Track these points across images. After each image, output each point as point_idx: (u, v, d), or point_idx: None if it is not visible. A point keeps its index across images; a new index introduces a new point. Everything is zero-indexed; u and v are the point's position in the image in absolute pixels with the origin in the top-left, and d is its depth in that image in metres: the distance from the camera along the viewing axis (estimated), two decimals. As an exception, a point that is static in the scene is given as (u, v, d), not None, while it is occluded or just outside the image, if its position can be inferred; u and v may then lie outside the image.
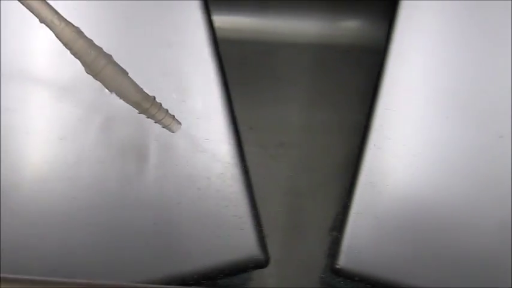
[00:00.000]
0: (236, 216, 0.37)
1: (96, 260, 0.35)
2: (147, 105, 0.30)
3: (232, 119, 0.39)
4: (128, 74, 0.28)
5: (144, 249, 0.36)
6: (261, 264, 0.37)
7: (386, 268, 0.35)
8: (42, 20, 0.26)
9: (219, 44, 0.41)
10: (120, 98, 0.28)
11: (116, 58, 0.28)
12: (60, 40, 0.26)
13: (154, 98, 0.30)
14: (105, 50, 0.28)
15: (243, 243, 0.36)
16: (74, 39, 0.26)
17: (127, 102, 0.29)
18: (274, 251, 0.49)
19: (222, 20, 0.56)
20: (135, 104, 0.29)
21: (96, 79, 0.27)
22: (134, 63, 0.30)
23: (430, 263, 0.35)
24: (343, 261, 0.36)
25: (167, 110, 0.31)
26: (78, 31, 0.27)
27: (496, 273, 0.34)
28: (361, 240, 0.36)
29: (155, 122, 0.31)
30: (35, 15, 0.26)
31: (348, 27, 0.57)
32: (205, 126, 0.38)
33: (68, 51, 0.27)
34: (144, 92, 0.29)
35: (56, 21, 0.26)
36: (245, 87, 0.56)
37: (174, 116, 0.32)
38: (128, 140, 0.38)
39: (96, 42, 0.27)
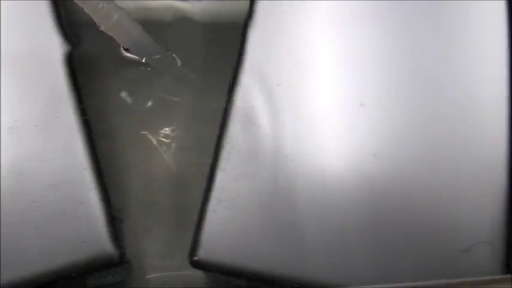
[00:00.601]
0: (84, 206, 0.33)
1: None
2: (166, 61, 0.29)
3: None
4: (141, 28, 0.26)
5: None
6: (114, 260, 0.34)
7: (246, 257, 0.34)
8: None
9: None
10: (135, 54, 0.27)
11: None
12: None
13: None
14: None
15: (92, 238, 0.33)
16: None
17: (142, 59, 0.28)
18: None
19: None
20: (152, 61, 0.28)
21: (110, 34, 0.26)
22: None
23: (291, 250, 0.34)
24: (202, 252, 0.34)
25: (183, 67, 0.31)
26: None
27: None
28: (220, 230, 0.34)
29: (172, 78, 0.32)
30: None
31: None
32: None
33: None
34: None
35: None
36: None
37: (189, 71, 0.32)
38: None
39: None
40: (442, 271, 0.34)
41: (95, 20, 0.25)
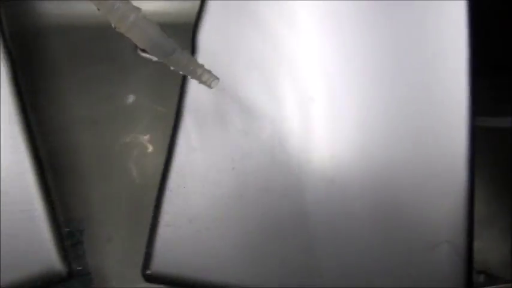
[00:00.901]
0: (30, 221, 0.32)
1: None
2: (184, 61, 0.28)
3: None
4: (159, 28, 0.26)
5: None
6: (61, 276, 0.32)
7: (201, 269, 0.32)
8: None
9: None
10: (152, 54, 0.26)
11: None
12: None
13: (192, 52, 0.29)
14: None
15: (39, 254, 0.32)
16: None
17: (160, 59, 0.27)
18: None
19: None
20: (171, 61, 0.27)
21: (127, 35, 0.25)
22: None
23: (245, 260, 0.33)
24: (155, 266, 0.33)
25: (203, 65, 0.30)
26: None
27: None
28: (173, 243, 0.33)
29: (191, 78, 0.30)
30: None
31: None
32: None
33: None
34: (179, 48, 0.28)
35: None
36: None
37: (210, 71, 0.31)
38: None
39: None
40: (407, 271, 0.33)
41: (111, 21, 0.24)
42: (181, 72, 0.30)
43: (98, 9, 0.24)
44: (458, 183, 0.34)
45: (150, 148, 0.48)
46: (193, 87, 0.35)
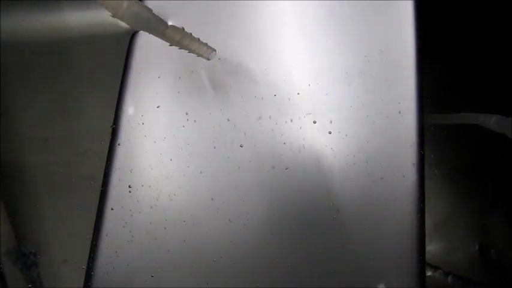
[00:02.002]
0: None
1: None
2: (178, 37, 0.29)
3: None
4: (151, 11, 0.27)
5: None
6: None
7: (144, 284, 0.32)
8: None
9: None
10: (150, 33, 0.28)
11: None
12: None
13: (183, 28, 0.29)
14: None
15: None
16: None
17: (157, 36, 0.29)
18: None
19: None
20: (166, 37, 0.29)
21: (122, 21, 0.26)
22: None
23: (188, 274, 0.32)
24: (97, 282, 0.32)
25: (199, 39, 0.31)
26: None
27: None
28: (114, 261, 0.32)
29: (189, 52, 0.31)
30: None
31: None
32: None
33: None
34: (172, 25, 0.29)
35: None
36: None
37: (207, 44, 0.32)
38: None
39: None
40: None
41: (108, 10, 0.25)
42: (178, 48, 0.30)
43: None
44: (406, 187, 0.33)
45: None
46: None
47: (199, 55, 0.32)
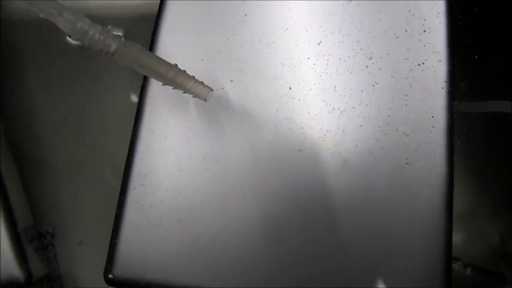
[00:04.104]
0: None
1: None
2: (171, 74, 0.28)
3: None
4: (144, 48, 0.27)
5: None
6: (19, 284, 0.31)
7: (164, 272, 0.31)
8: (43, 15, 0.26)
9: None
10: (142, 73, 0.27)
11: None
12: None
13: (176, 65, 0.28)
14: None
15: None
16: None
17: (150, 76, 0.28)
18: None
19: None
20: (159, 76, 0.27)
21: (116, 60, 0.26)
22: None
23: (207, 262, 0.31)
24: (117, 270, 0.31)
25: (194, 77, 0.29)
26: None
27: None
28: (135, 246, 0.31)
29: (184, 92, 0.29)
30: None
31: None
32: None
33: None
34: (166, 61, 0.28)
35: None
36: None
37: (202, 82, 0.29)
38: None
39: None
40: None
41: (94, 50, 0.26)
42: (173, 88, 0.28)
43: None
44: (436, 174, 0.32)
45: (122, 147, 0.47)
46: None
47: (195, 95, 0.29)
